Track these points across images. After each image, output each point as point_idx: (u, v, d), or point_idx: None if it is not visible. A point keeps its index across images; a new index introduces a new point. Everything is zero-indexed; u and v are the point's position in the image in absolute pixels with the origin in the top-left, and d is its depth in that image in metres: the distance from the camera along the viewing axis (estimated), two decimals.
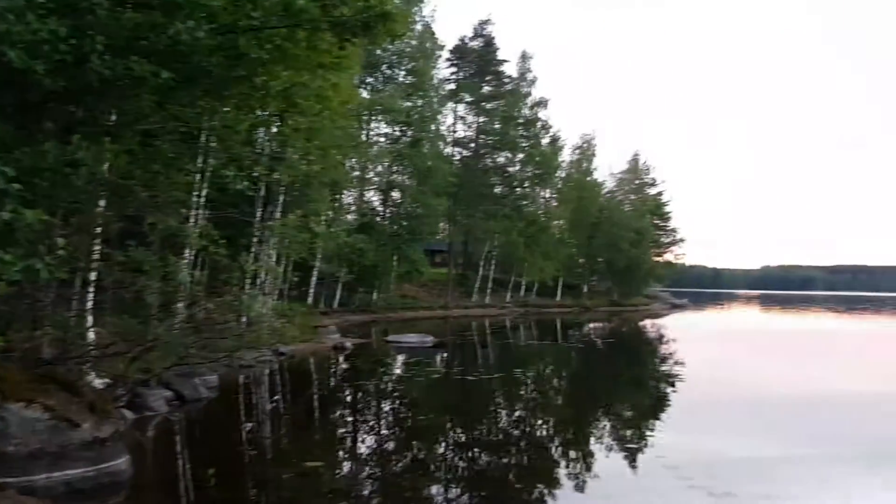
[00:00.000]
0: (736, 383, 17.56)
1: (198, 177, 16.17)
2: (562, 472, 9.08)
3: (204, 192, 17.04)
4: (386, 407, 14.11)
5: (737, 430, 11.56)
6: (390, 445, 10.61)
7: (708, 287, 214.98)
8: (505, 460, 9.74)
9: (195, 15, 7.62)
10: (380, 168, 37.17)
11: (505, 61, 50.84)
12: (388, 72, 38.46)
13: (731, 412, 13.59)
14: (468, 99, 49.79)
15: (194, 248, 15.96)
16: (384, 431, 11.62)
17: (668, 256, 75.08)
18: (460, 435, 11.48)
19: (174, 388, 12.02)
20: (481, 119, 49.97)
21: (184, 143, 12.75)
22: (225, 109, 11.06)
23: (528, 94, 50.09)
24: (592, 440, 10.99)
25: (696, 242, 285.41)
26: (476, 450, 10.34)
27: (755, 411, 13.73)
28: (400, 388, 16.26)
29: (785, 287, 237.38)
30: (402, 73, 38.79)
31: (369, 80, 37.10)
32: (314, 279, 30.68)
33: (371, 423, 12.22)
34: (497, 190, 49.12)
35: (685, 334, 38.01)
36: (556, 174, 54.19)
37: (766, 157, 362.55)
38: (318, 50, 9.17)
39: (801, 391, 16.20)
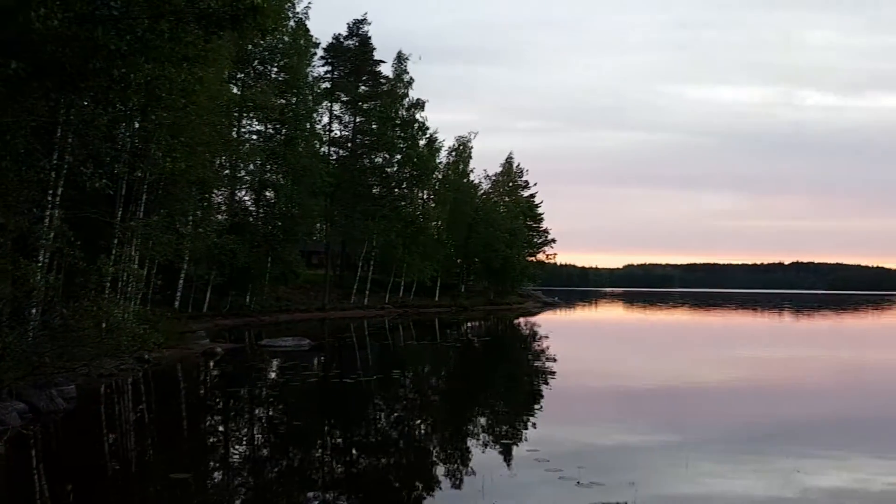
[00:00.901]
0: (603, 376, 18.46)
1: (52, 174, 15.10)
2: (439, 470, 9.19)
3: (59, 191, 15.89)
4: (259, 413, 13.74)
5: (605, 421, 12.15)
6: (264, 452, 10.33)
7: (577, 285, 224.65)
8: (383, 462, 9.74)
9: (49, 2, 7.09)
10: (252, 167, 36.07)
11: (381, 62, 50.86)
12: (260, 68, 37.50)
13: (599, 404, 14.28)
14: (344, 98, 49.39)
15: (49, 250, 14.92)
16: (257, 438, 11.30)
17: (541, 256, 77.83)
18: (337, 439, 11.36)
19: (28, 400, 11.15)
20: (358, 119, 49.73)
21: (37, 138, 11.91)
22: (83, 103, 10.41)
23: (405, 94, 50.29)
24: (469, 437, 11.18)
25: (567, 242, 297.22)
26: (353, 453, 10.27)
27: (622, 402, 14.50)
28: (274, 393, 15.87)
29: (646, 284, 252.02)
30: (275, 69, 37.93)
31: (240, 75, 35.97)
32: (181, 282, 29.40)
33: (243, 431, 11.85)
34: (375, 190, 49.04)
35: (557, 331, 39.54)
36: (434, 175, 54.74)
37: (632, 160, 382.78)
38: (182, 42, 8.77)
39: (662, 381, 17.24)
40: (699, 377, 18.56)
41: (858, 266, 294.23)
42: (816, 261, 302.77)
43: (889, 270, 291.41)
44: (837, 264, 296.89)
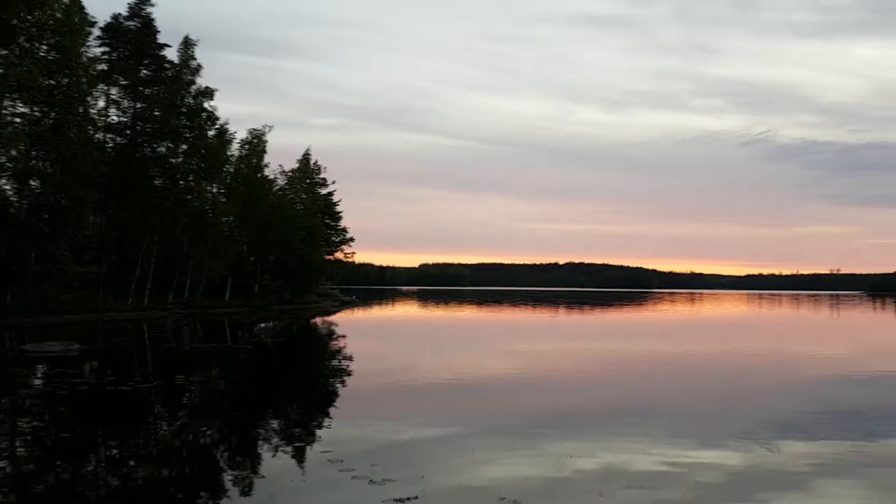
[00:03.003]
0: (398, 372, 18.78)
1: None
2: (227, 478, 8.78)
3: None
4: (22, 426, 12.25)
5: (399, 417, 12.35)
6: (28, 468, 9.21)
7: (375, 284, 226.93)
8: (164, 473, 9.10)
9: None
10: (14, 152, 32.20)
11: (166, 45, 47.66)
12: (27, 45, 33.60)
13: (394, 400, 14.50)
14: (123, 82, 45.62)
15: None
16: (20, 453, 10.06)
17: (339, 255, 77.58)
18: (113, 450, 10.43)
19: None
20: (138, 105, 46.12)
21: None
22: None
23: (192, 82, 47.62)
24: (260, 442, 10.82)
25: (365, 241, 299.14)
26: (131, 464, 9.50)
27: (415, 397, 14.86)
28: (39, 403, 14.25)
29: (440, 283, 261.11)
30: (45, 47, 34.21)
31: (2, 52, 31.97)
32: None
33: (2, 446, 10.49)
34: (157, 182, 45.86)
35: (354, 330, 39.60)
36: (224, 168, 52.46)
37: (429, 163, 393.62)
38: None
39: (452, 375, 17.88)
40: (486, 370, 19.56)
41: (621, 266, 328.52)
42: (587, 261, 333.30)
43: (646, 270, 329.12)
44: (604, 265, 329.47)
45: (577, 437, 10.66)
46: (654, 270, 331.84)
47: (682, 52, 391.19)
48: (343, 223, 77.06)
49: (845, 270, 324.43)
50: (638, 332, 39.91)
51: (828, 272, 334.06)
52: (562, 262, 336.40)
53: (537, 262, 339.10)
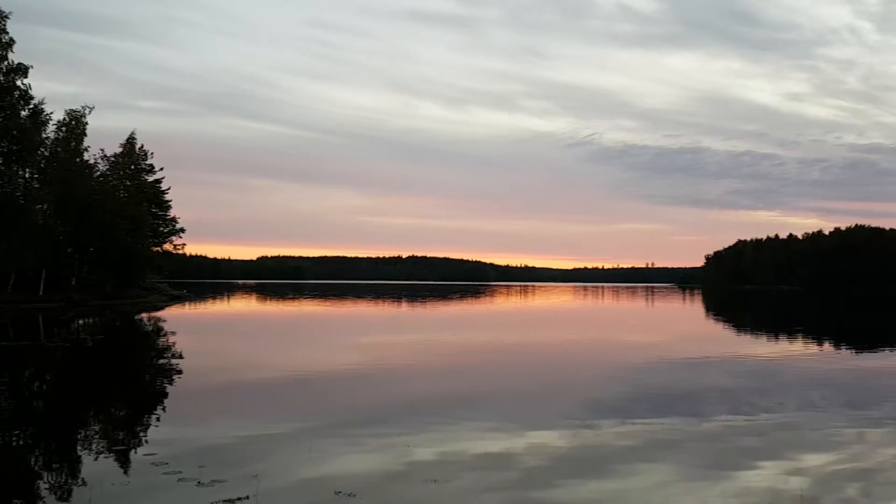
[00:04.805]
0: (233, 369, 18.15)
1: None
2: (42, 484, 8.07)
3: None
4: None
5: (231, 416, 11.93)
6: None
7: (208, 278, 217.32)
8: None
9: None
10: None
11: None
12: None
13: (227, 398, 13.99)
14: None
15: None
16: None
17: (168, 246, 73.49)
18: None
19: None
20: None
21: None
22: None
23: (3, 57, 43.15)
24: (79, 446, 10.03)
25: (197, 232, 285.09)
26: None
27: (250, 394, 14.41)
28: None
29: (279, 276, 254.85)
30: None
31: None
32: None
33: None
34: None
35: (185, 326, 37.67)
36: (39, 151, 48.03)
37: (265, 152, 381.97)
38: None
39: (290, 370, 17.56)
40: (327, 364, 19.36)
41: (461, 260, 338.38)
42: (429, 255, 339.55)
43: (484, 263, 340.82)
44: (445, 258, 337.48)
45: (415, 428, 10.84)
46: (491, 264, 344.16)
47: (515, 55, 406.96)
48: (173, 212, 73.15)
49: (659, 264, 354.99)
50: (474, 324, 41.24)
51: (644, 266, 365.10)
52: (404, 255, 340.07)
53: (380, 256, 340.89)
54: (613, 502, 7.43)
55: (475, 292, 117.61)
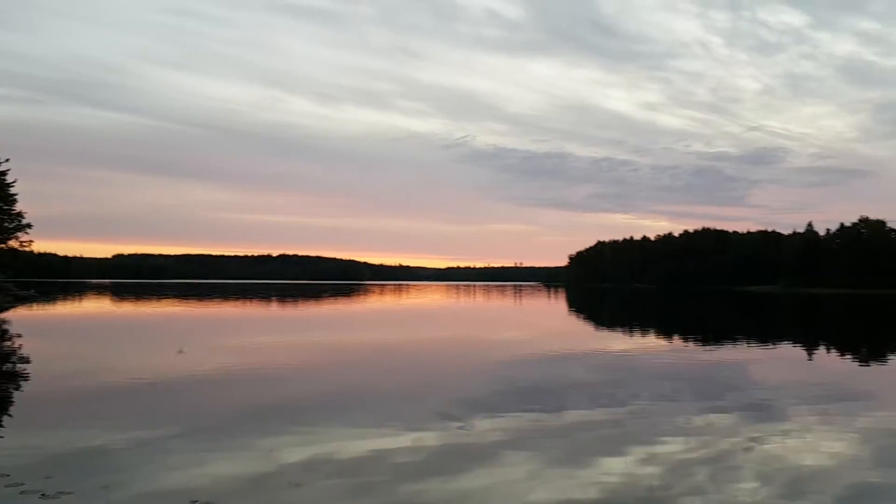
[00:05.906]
0: (84, 374, 16.93)
1: None
2: None
3: None
4: None
5: (83, 424, 11.09)
6: None
7: (58, 277, 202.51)
8: None
9: None
10: None
11: None
12: None
13: (79, 406, 13.00)
14: None
15: None
16: None
17: (13, 243, 68.19)
18: None
19: None
20: None
21: None
22: None
23: None
24: None
25: (46, 229, 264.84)
26: None
27: (101, 401, 13.46)
28: None
29: (138, 275, 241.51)
30: None
31: None
32: None
33: None
34: None
35: (31, 328, 34.78)
36: None
37: (121, 143, 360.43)
38: None
39: (144, 375, 16.60)
40: (191, 368, 18.44)
41: (334, 258, 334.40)
42: (300, 253, 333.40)
43: (358, 262, 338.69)
44: (318, 257, 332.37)
45: (283, 431, 10.53)
46: (366, 263, 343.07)
47: (390, 54, 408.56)
48: (18, 207, 67.66)
49: (526, 263, 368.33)
50: (347, 324, 40.82)
51: (513, 265, 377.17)
52: (275, 254, 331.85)
53: (249, 255, 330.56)
54: (481, 497, 7.53)
55: (348, 291, 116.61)
